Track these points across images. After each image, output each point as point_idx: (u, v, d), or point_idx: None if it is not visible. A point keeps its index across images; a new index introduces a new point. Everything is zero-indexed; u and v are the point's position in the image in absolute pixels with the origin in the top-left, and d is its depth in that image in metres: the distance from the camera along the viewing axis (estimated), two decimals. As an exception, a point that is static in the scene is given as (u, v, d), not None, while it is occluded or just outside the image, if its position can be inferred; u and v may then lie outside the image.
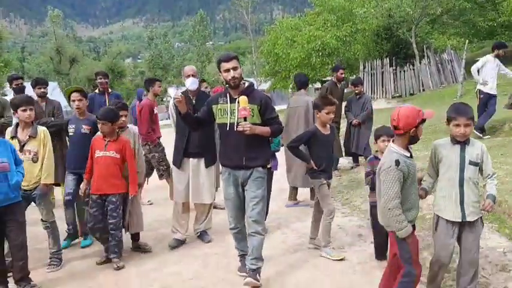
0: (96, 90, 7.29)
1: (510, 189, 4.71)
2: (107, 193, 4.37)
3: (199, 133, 4.56)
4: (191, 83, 4.68)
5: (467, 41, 17.84)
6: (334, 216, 4.38)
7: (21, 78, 6.89)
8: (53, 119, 6.09)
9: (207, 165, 4.81)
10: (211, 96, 4.89)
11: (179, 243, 4.86)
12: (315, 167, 4.28)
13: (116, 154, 4.40)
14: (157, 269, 4.30)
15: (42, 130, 4.35)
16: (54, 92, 30.27)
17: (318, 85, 27.80)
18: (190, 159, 4.76)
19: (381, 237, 3.98)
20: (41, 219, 4.38)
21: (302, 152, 4.39)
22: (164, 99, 45.35)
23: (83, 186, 4.56)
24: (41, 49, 73.94)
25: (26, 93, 6.72)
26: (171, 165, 5.03)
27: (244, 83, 3.74)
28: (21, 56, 70.82)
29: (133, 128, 4.89)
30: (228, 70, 3.62)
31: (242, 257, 4.03)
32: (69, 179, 4.86)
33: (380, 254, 4.11)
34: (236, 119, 3.59)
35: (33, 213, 4.53)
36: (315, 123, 4.53)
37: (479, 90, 8.37)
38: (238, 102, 3.58)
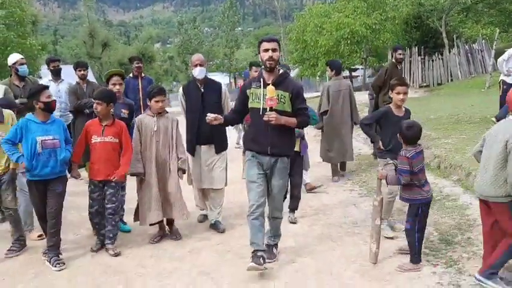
0: (130, 75, 7.80)
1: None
2: (105, 179, 4.35)
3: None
4: (199, 72, 4.80)
5: (497, 30, 17.65)
6: (395, 195, 4.38)
7: (58, 61, 7.37)
8: (92, 99, 6.58)
9: (218, 151, 4.93)
10: (218, 84, 5.05)
11: (206, 218, 5.24)
12: (382, 147, 4.36)
13: (115, 139, 4.37)
14: (188, 235, 4.81)
15: (8, 114, 4.46)
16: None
17: (346, 73, 27.73)
18: (202, 146, 4.90)
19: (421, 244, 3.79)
20: (3, 208, 4.45)
21: (372, 131, 4.56)
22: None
23: (74, 172, 4.49)
24: (73, 32, 75.43)
25: (61, 75, 7.25)
26: (187, 153, 4.99)
27: (279, 70, 3.83)
28: (54, 39, 72.47)
29: (171, 115, 4.81)
30: (267, 50, 3.71)
31: (255, 253, 3.76)
32: None
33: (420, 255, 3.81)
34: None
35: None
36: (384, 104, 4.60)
37: (503, 80, 8.43)
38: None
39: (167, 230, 4.83)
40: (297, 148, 4.71)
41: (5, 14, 20.50)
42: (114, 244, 4.44)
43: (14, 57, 6.19)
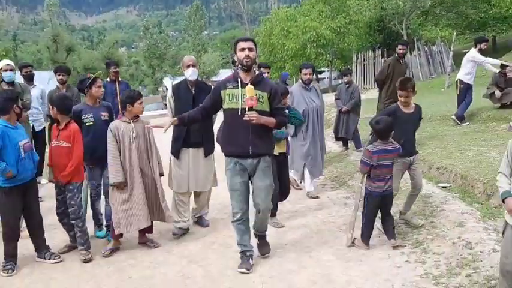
0: (107, 79, 7.96)
1: (475, 166, 5.47)
2: (56, 181, 4.38)
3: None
4: (192, 73, 4.73)
5: (455, 32, 18.58)
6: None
7: (30, 66, 7.37)
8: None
9: (206, 154, 4.87)
10: (209, 87, 4.87)
11: (183, 232, 4.92)
12: None
13: (67, 143, 4.28)
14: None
15: None
16: (51, 81, 30.28)
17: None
18: (190, 149, 4.80)
19: (371, 227, 4.23)
20: None
21: None
22: (160, 88, 45.71)
23: (50, 175, 4.51)
24: (33, 37, 73.61)
25: (34, 80, 7.24)
26: (170, 156, 4.94)
27: (255, 70, 3.88)
28: (14, 44, 70.56)
29: (144, 119, 4.61)
30: (243, 49, 3.73)
31: (243, 253, 3.98)
32: (97, 172, 4.77)
33: (368, 238, 4.25)
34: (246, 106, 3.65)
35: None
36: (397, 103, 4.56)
37: (460, 80, 8.94)
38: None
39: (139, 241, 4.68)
40: (283, 149, 4.89)
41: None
42: (87, 250, 4.39)
43: None
